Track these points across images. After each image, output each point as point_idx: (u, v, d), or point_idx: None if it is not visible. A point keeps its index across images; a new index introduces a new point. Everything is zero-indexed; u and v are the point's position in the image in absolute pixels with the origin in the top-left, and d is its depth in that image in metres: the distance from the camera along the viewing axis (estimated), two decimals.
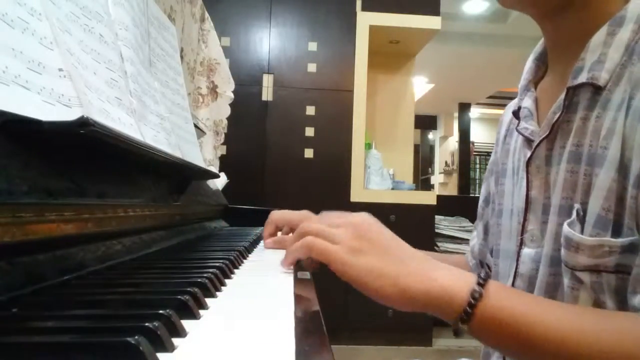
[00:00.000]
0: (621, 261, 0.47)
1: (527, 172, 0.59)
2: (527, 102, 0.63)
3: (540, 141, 0.58)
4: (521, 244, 0.60)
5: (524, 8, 0.60)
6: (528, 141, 0.61)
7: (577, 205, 0.51)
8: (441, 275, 0.45)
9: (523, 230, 0.60)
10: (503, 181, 0.69)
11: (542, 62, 0.66)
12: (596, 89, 0.52)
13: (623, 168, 0.47)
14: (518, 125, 0.63)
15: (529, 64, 0.66)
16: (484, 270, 0.46)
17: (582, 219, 0.51)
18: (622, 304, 0.47)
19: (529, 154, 0.59)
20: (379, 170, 2.78)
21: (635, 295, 0.45)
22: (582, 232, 0.50)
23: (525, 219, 0.60)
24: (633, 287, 0.45)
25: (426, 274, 0.45)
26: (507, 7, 0.60)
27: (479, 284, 0.44)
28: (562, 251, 0.51)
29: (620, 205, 0.47)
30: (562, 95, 0.55)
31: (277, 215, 0.78)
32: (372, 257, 0.47)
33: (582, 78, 0.53)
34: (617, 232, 0.47)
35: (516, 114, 0.65)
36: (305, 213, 0.76)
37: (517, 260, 0.61)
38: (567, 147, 0.54)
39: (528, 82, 0.65)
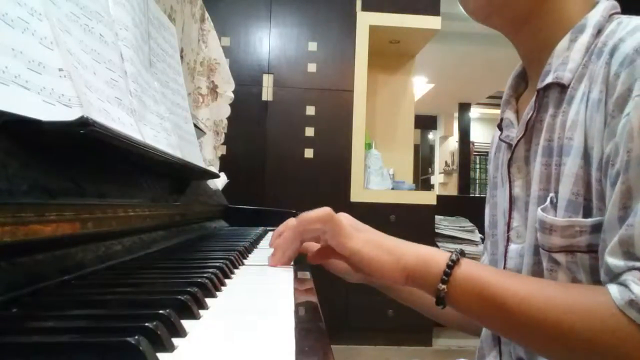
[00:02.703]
0: (592, 241, 0.50)
1: (509, 173, 0.63)
2: (509, 114, 0.68)
3: (518, 141, 0.62)
4: (507, 241, 0.64)
5: (491, 17, 0.63)
6: (510, 146, 0.65)
7: (551, 194, 0.56)
8: (426, 248, 0.54)
9: (509, 229, 0.63)
10: (495, 193, 0.72)
11: (522, 79, 0.70)
12: (562, 88, 0.57)
13: (587, 155, 0.51)
14: (501, 135, 0.68)
15: (509, 81, 0.71)
16: (461, 249, 0.54)
17: (555, 206, 0.55)
18: (598, 283, 0.50)
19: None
20: (379, 170, 2.78)
21: (601, 270, 0.48)
22: (555, 217, 0.54)
23: (510, 217, 0.63)
24: (600, 262, 0.49)
25: (414, 247, 0.55)
26: (478, 18, 0.64)
27: (455, 253, 0.52)
28: (538, 235, 0.55)
29: (588, 190, 0.51)
30: (534, 98, 0.60)
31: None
32: (369, 233, 0.56)
33: (549, 79, 0.58)
34: (587, 215, 0.52)
35: (499, 126, 0.69)
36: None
37: (505, 256, 0.64)
38: (540, 143, 0.59)
39: (509, 97, 0.70)
